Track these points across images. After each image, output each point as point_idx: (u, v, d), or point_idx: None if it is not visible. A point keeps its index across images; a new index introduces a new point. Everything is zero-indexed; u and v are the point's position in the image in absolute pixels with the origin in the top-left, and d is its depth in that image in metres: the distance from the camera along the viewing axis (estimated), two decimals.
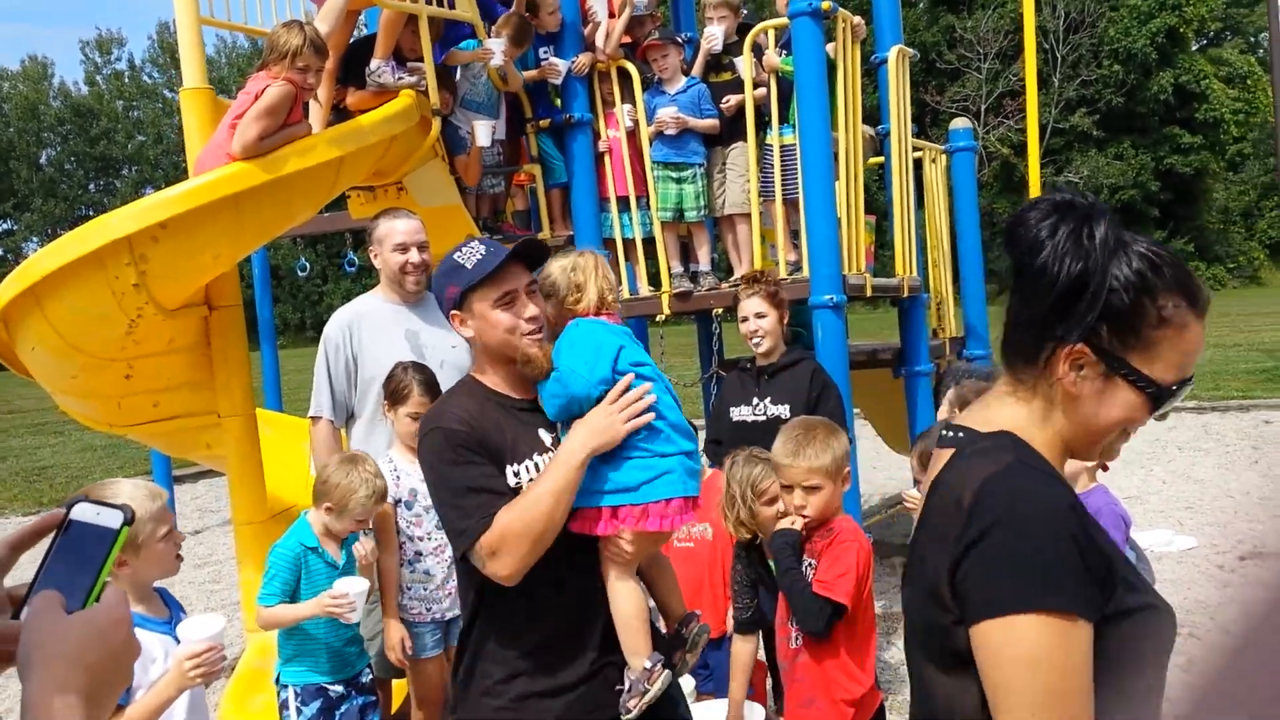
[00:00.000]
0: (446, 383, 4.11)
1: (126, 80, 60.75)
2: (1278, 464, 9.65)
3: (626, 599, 2.39)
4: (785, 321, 4.41)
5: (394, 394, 3.81)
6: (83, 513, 1.28)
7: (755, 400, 4.30)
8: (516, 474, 2.37)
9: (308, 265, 8.51)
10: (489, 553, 2.24)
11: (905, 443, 6.08)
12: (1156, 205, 46.88)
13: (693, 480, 2.41)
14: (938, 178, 7.25)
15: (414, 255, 4.17)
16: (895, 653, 5.34)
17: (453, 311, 2.44)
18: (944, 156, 7.36)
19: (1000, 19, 44.09)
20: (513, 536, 2.22)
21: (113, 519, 1.27)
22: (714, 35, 5.55)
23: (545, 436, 2.43)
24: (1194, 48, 48.88)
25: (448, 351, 4.19)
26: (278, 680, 3.51)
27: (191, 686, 2.49)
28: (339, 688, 3.49)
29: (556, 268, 2.54)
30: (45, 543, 1.29)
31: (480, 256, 2.39)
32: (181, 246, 4.02)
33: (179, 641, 2.57)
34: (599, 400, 2.34)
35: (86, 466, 14.11)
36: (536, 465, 2.38)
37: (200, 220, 3.99)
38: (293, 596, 3.43)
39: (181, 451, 5.64)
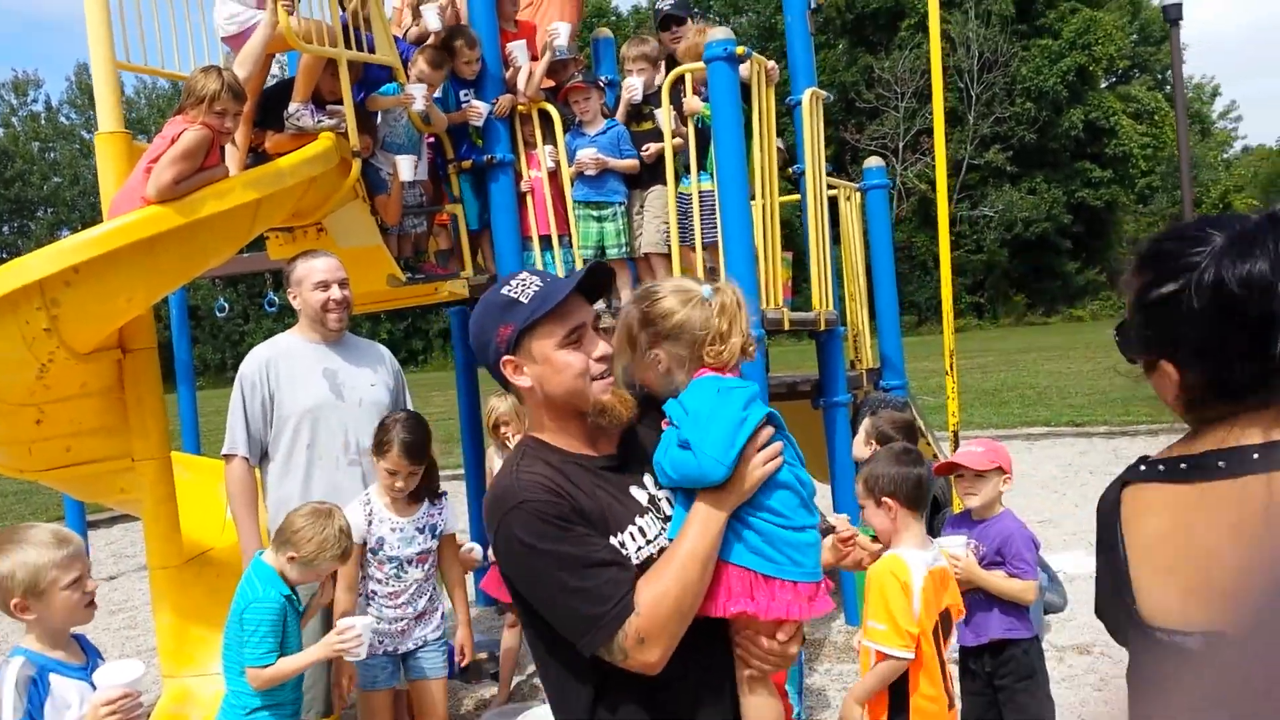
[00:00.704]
0: (366, 422, 4.14)
1: (43, 121, 59.68)
2: None
3: (768, 715, 2.02)
4: None
5: (377, 444, 3.88)
6: None
7: None
8: (622, 545, 1.97)
9: (226, 305, 8.44)
10: (636, 641, 1.84)
11: (824, 472, 6.19)
12: (1069, 237, 48.31)
13: (819, 566, 2.06)
14: (853, 214, 7.44)
15: (335, 292, 4.18)
16: (818, 678, 5.42)
17: (505, 358, 2.03)
18: (858, 194, 7.55)
19: (916, 59, 45.30)
20: (664, 617, 1.85)
21: None
22: (634, 86, 5.68)
23: (639, 494, 2.06)
24: (1103, 85, 50.75)
25: (366, 390, 4.21)
26: None
27: None
28: None
29: (676, 299, 2.06)
30: None
31: (538, 288, 1.99)
32: (94, 290, 3.98)
33: (95, 688, 2.54)
34: None
35: None
36: (641, 530, 2.00)
37: (114, 264, 3.96)
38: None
39: (95, 496, 5.54)
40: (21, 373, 4.04)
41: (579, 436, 2.06)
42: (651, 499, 2.06)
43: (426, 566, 4.00)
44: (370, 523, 3.81)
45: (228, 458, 4.17)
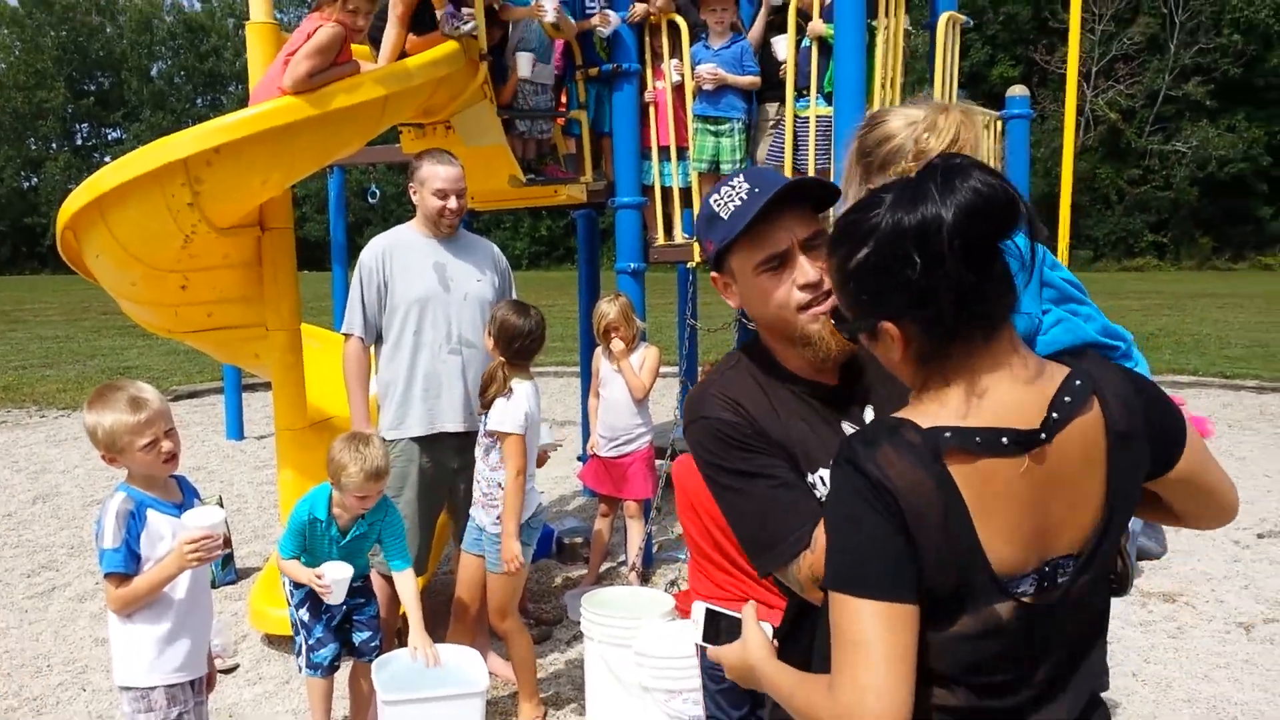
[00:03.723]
0: (469, 314, 4.43)
1: None
2: None
3: None
4: None
5: None
6: None
7: None
8: (813, 485, 1.80)
9: (378, 192, 8.87)
10: (810, 579, 1.70)
11: None
12: (1266, 181, 45.36)
13: None
14: (991, 144, 7.29)
15: (452, 202, 4.43)
16: None
17: (713, 274, 1.91)
18: (999, 123, 7.39)
19: None
20: None
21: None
22: None
23: (851, 431, 1.81)
24: None
25: (472, 285, 4.48)
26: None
27: (189, 567, 2.81)
28: None
29: (899, 120, 1.92)
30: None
31: (739, 203, 1.78)
32: (233, 171, 4.33)
33: None
34: None
35: (168, 369, 14.84)
36: None
37: (251, 148, 4.29)
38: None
39: (233, 359, 6.04)
40: (168, 242, 4.46)
41: (797, 358, 1.86)
42: None
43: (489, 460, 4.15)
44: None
45: (346, 337, 4.51)
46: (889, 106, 1.90)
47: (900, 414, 1.46)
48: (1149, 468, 1.53)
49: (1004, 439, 1.40)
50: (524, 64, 5.35)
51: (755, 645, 1.64)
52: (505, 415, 3.96)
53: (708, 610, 1.76)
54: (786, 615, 1.95)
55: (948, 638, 1.42)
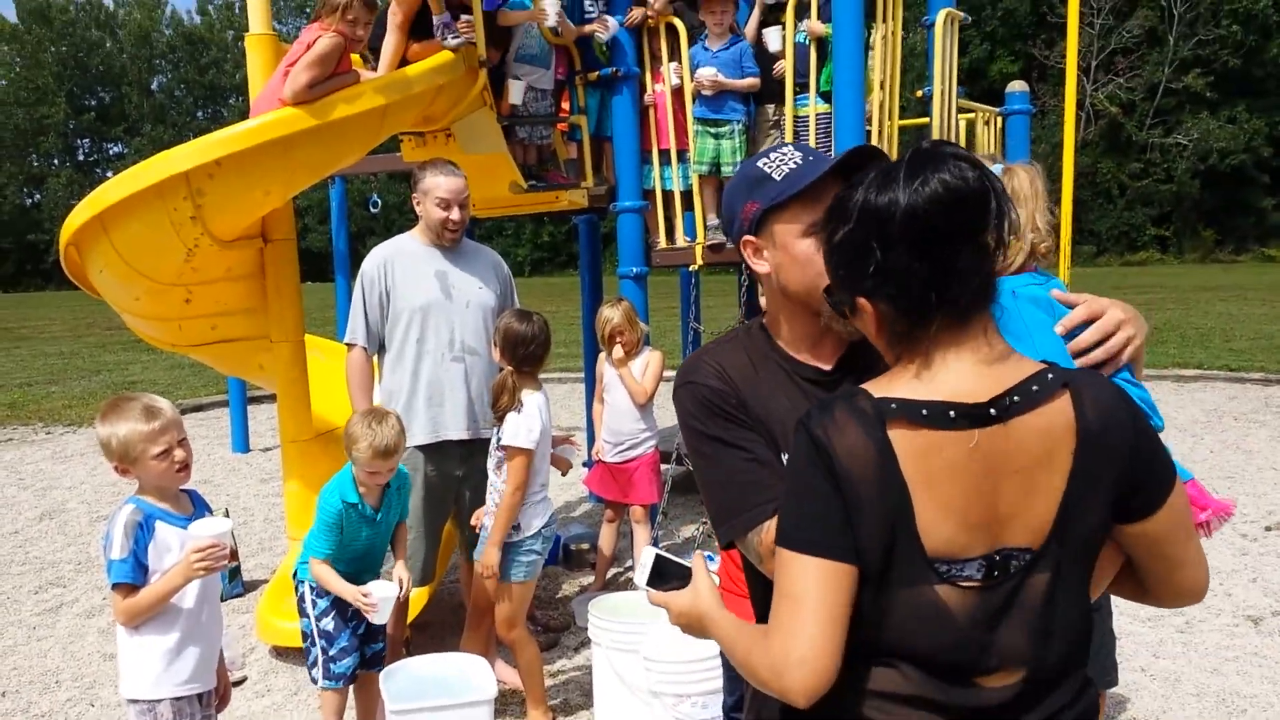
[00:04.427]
0: (471, 322, 4.42)
1: (237, 10, 62.19)
2: None
3: None
4: None
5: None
6: None
7: None
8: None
9: (379, 202, 8.90)
10: (768, 551, 1.69)
11: None
12: (1267, 171, 45.32)
13: None
14: (991, 141, 7.30)
15: (455, 214, 4.42)
16: None
17: (746, 238, 1.86)
18: (999, 119, 7.39)
19: None
20: None
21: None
22: None
23: None
24: None
25: (474, 292, 4.47)
26: (295, 575, 3.82)
27: (196, 577, 2.80)
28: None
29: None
30: None
31: (794, 166, 1.80)
32: (235, 183, 4.32)
33: None
34: None
35: (173, 383, 14.85)
36: None
37: (252, 160, 4.28)
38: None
39: (236, 371, 6.05)
40: (171, 256, 4.45)
41: (804, 337, 1.87)
42: None
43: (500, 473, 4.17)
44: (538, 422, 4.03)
45: (349, 346, 4.50)
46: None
47: (863, 386, 1.50)
48: (1120, 496, 1.47)
49: (951, 412, 1.42)
50: (515, 92, 5.37)
51: (706, 592, 1.70)
52: (518, 430, 3.94)
53: (657, 556, 1.79)
54: (754, 598, 1.94)
55: (890, 613, 1.44)
